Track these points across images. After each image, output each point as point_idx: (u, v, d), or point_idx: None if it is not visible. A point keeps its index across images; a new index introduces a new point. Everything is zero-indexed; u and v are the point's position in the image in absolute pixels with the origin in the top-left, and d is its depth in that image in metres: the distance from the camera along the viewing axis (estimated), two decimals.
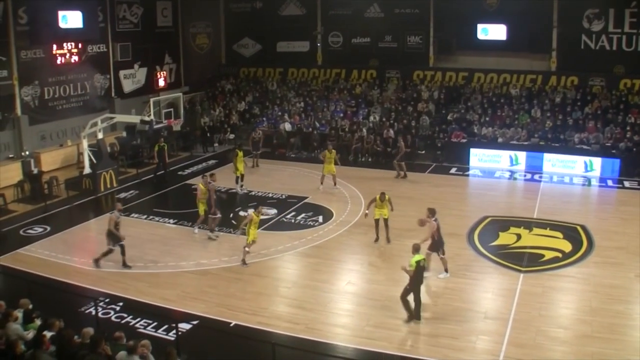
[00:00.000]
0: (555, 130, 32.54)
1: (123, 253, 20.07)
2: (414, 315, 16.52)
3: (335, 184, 28.14)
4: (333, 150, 28.35)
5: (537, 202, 26.38)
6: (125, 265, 20.03)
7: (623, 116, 32.39)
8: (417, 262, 16.32)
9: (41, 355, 11.30)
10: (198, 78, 43.81)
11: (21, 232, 23.68)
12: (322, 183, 28.11)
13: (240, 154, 28.48)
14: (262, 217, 21.35)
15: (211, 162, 34.01)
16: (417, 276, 16.38)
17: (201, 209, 22.78)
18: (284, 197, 27.37)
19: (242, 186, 28.32)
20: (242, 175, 28.42)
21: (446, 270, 19.13)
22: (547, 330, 15.89)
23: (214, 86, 43.91)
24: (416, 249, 16.82)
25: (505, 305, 17.21)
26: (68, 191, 27.99)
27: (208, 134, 37.47)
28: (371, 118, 36.75)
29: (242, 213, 25.26)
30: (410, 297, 16.50)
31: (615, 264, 19.79)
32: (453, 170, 31.62)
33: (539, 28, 36.38)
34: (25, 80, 31.51)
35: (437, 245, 19.00)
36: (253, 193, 27.96)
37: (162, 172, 31.03)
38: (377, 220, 22.15)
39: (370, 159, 33.69)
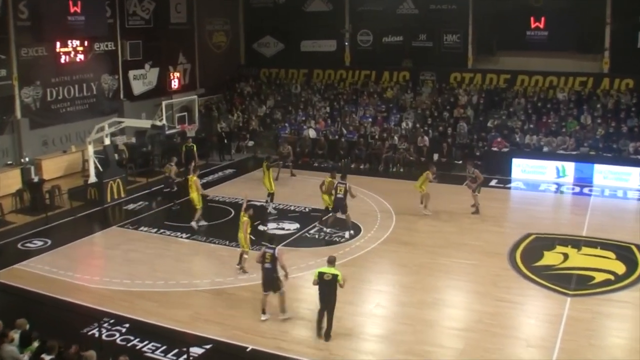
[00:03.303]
0: (607, 139, 32.25)
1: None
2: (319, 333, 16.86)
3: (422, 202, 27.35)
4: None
5: (586, 218, 26.15)
6: None
7: None
8: (319, 274, 16.61)
9: None
10: (215, 80, 44.01)
11: (19, 245, 23.83)
12: (426, 206, 27.02)
13: (269, 172, 27.41)
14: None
15: (228, 171, 34.10)
16: (319, 290, 16.70)
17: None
18: (307, 210, 27.39)
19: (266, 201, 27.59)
20: (272, 195, 27.45)
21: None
22: None
23: (232, 89, 44.11)
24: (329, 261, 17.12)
25: (550, 333, 17.01)
26: (71, 201, 28.12)
27: (225, 141, 37.58)
28: (404, 124, 36.69)
29: (260, 227, 25.31)
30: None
31: None
32: (493, 183, 31.40)
33: (590, 25, 36.15)
34: (25, 80, 31.82)
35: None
36: (274, 205, 27.92)
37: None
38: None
39: (402, 170, 33.55)
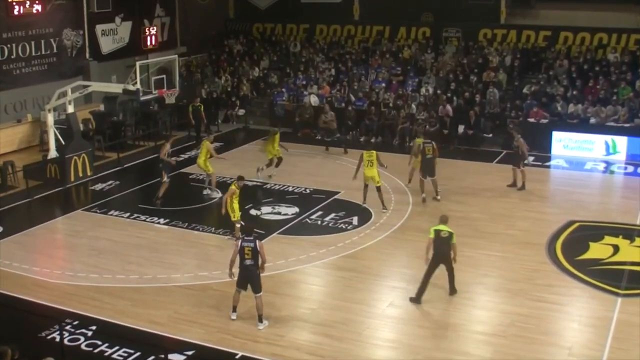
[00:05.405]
0: None
1: None
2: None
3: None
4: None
5: None
6: None
7: None
8: (435, 231, 18.58)
9: None
10: (198, 36, 44.02)
11: None
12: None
13: (276, 137, 28.90)
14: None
15: (214, 144, 34.01)
16: (435, 248, 18.61)
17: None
18: (308, 191, 27.49)
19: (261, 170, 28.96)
20: (280, 159, 28.97)
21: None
22: None
23: (219, 47, 44.09)
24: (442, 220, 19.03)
25: (596, 339, 17.04)
26: (28, 180, 28.00)
27: (212, 109, 37.53)
28: (423, 90, 36.66)
29: (253, 212, 25.35)
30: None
31: None
32: (530, 160, 31.24)
33: None
34: None
35: None
36: (269, 185, 28.01)
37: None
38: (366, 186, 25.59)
39: None
